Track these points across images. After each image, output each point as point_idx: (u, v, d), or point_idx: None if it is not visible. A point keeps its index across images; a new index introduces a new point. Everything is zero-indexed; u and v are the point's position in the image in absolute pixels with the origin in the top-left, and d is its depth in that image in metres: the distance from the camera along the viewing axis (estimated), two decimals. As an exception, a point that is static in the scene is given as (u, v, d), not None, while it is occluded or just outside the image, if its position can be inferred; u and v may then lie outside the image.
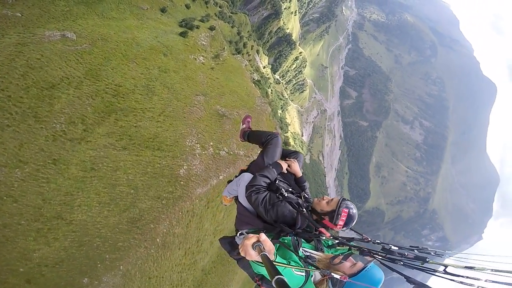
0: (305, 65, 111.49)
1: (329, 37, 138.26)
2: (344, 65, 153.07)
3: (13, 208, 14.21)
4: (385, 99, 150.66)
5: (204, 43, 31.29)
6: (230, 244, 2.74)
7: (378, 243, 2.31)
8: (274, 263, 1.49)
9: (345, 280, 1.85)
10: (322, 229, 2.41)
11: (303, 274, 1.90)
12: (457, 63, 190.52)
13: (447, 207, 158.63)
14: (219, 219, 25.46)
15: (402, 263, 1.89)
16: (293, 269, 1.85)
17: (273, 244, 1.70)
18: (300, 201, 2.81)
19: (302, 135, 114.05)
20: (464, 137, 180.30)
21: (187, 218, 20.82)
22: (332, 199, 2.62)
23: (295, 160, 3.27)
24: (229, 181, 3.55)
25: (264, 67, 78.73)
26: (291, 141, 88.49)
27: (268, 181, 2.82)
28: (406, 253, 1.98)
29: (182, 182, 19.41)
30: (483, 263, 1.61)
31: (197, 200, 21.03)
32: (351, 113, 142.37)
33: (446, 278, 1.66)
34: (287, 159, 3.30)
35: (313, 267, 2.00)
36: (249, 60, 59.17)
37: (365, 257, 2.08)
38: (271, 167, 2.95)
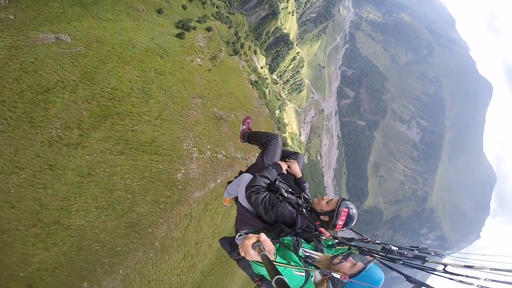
0: (303, 65, 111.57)
1: (327, 37, 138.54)
2: (342, 65, 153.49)
3: (11, 214, 14.23)
4: (382, 98, 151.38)
5: (201, 44, 31.08)
6: (230, 245, 2.73)
7: (378, 243, 2.30)
8: (274, 263, 1.48)
9: (345, 280, 1.84)
10: (322, 229, 2.42)
11: (303, 274, 1.90)
12: (453, 62, 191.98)
13: (445, 205, 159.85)
14: (217, 222, 25.46)
15: (401, 262, 1.89)
16: (293, 269, 1.84)
17: (273, 244, 1.71)
18: (299, 201, 2.81)
19: (300, 135, 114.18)
20: (461, 135, 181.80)
21: (185, 221, 20.91)
22: (332, 199, 2.62)
23: (295, 161, 3.28)
24: (229, 182, 3.56)
25: (261, 68, 78.61)
26: (289, 141, 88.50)
27: (267, 181, 2.82)
28: (405, 253, 1.98)
29: (179, 186, 19.35)
30: (483, 262, 1.62)
31: (195, 204, 21.02)
32: (349, 113, 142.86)
33: (446, 277, 1.66)
34: (287, 160, 3.31)
35: (313, 267, 1.99)
36: (247, 61, 59.04)
37: (365, 256, 2.08)
38: (270, 167, 2.95)
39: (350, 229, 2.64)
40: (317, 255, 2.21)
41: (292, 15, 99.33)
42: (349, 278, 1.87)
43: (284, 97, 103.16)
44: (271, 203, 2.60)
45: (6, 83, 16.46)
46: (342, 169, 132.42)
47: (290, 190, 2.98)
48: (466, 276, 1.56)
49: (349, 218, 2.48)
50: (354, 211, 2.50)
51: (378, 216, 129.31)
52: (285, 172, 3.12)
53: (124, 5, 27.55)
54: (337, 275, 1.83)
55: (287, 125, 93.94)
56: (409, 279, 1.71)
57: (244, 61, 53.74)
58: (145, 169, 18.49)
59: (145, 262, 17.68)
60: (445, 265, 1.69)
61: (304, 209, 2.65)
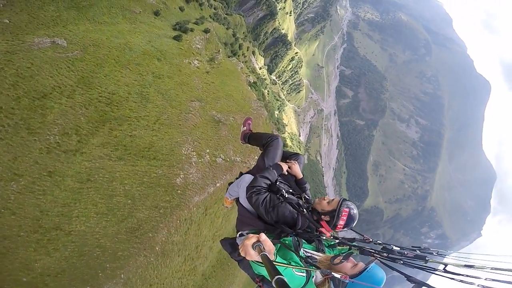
0: (301, 65, 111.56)
1: (324, 37, 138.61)
2: (340, 65, 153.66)
3: (12, 220, 14.29)
4: (381, 98, 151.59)
5: (199, 46, 30.88)
6: (231, 245, 2.73)
7: (379, 244, 2.33)
8: (274, 263, 1.47)
9: (346, 280, 1.83)
10: (323, 229, 2.43)
11: (304, 274, 1.89)
12: (451, 61, 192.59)
13: (445, 204, 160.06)
14: (217, 225, 25.43)
15: (402, 262, 1.90)
16: (293, 269, 1.84)
17: (274, 244, 1.71)
18: (300, 202, 2.82)
19: (300, 135, 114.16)
20: (460, 134, 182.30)
21: (185, 226, 20.89)
22: (333, 199, 2.64)
23: (296, 161, 3.29)
24: (230, 183, 3.57)
25: (260, 68, 78.52)
26: (288, 141, 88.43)
27: (268, 182, 2.83)
28: (406, 252, 1.99)
29: (179, 191, 19.27)
30: (483, 262, 1.61)
31: (194, 208, 20.98)
32: (348, 113, 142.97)
33: (446, 277, 1.66)
34: (287, 161, 3.32)
35: (313, 267, 1.99)
36: (245, 62, 58.91)
37: (366, 256, 2.07)
38: (271, 168, 2.97)
39: (351, 229, 2.64)
40: (318, 255, 2.20)
41: (290, 16, 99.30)
42: (350, 278, 1.86)
43: (283, 97, 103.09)
44: (272, 203, 2.60)
45: (3, 89, 16.25)
46: (342, 169, 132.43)
47: (291, 190, 2.98)
48: (467, 275, 1.55)
49: (350, 218, 2.48)
50: (355, 211, 2.50)
51: (378, 215, 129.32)
52: (286, 173, 3.13)
53: (121, 7, 27.29)
54: (337, 275, 1.81)
55: (286, 125, 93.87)
56: (409, 279, 1.71)
57: (242, 62, 53.59)
58: (144, 175, 18.44)
59: (146, 266, 17.73)
60: (446, 265, 1.69)
61: (304, 210, 2.65)
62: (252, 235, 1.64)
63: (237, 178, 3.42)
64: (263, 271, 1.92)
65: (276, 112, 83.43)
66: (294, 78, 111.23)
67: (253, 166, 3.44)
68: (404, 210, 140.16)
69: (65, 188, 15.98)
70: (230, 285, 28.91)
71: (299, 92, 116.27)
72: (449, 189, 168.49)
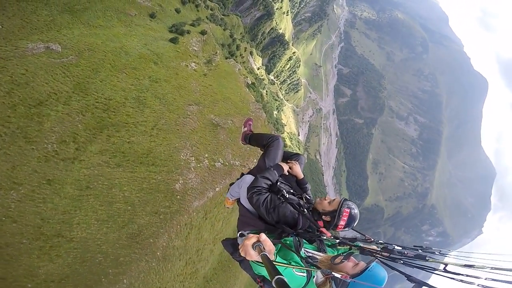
0: (299, 65, 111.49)
1: (322, 36, 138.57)
2: (338, 64, 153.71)
3: (13, 228, 14.40)
4: (379, 96, 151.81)
5: (196, 49, 30.56)
6: (232, 246, 2.71)
7: (380, 243, 2.35)
8: (274, 263, 1.46)
9: (348, 280, 1.82)
10: (323, 229, 2.43)
11: (305, 275, 1.89)
12: (448, 59, 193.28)
13: (445, 202, 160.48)
14: (217, 228, 25.42)
15: (402, 262, 1.91)
16: (294, 269, 1.84)
17: (274, 244, 1.72)
18: (301, 202, 2.84)
19: (299, 135, 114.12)
20: (459, 131, 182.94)
21: (186, 230, 20.91)
22: (334, 199, 2.65)
23: (297, 162, 3.31)
24: (231, 184, 3.58)
25: (258, 69, 78.27)
26: (287, 141, 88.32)
27: (269, 182, 2.84)
28: (406, 252, 2.00)
29: (178, 197, 19.17)
30: (484, 261, 1.61)
31: (194, 213, 20.92)
32: (346, 111, 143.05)
33: (446, 277, 1.66)
34: (288, 161, 3.33)
35: (314, 267, 1.98)
36: (243, 62, 58.60)
37: (367, 256, 2.08)
38: (272, 169, 2.98)
39: (352, 229, 2.63)
40: (319, 255, 2.20)
41: (287, 15, 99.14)
42: (352, 278, 1.85)
43: (282, 97, 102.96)
44: (273, 204, 2.61)
45: (-2, 97, 16.02)
46: (341, 168, 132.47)
47: (291, 191, 2.99)
48: (467, 275, 1.55)
49: (351, 218, 2.49)
50: (356, 211, 2.51)
51: (379, 213, 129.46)
52: (287, 173, 3.15)
53: (116, 10, 26.92)
54: (338, 275, 1.80)
55: (285, 125, 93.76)
56: (410, 278, 1.71)
57: (240, 63, 53.29)
58: (143, 181, 18.38)
59: (148, 271, 17.85)
60: (446, 265, 1.69)
61: (305, 210, 2.65)
62: (252, 235, 1.63)
63: (238, 179, 3.42)
64: (263, 271, 1.93)
65: (275, 112, 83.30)
66: (292, 78, 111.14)
67: (253, 167, 3.44)
68: (404, 208, 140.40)
69: (64, 196, 16.04)
70: (231, 287, 29.08)
71: (297, 91, 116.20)
72: (449, 187, 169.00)
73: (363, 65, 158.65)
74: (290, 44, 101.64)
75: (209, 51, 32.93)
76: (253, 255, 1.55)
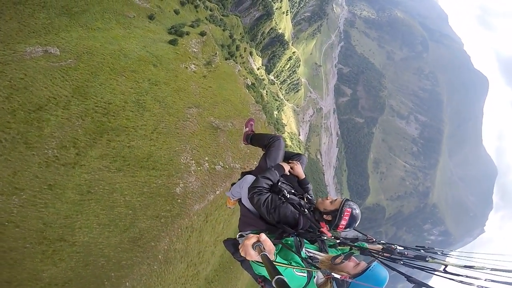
0: (299, 65, 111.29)
1: (322, 36, 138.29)
2: (338, 63, 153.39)
3: (16, 232, 14.54)
4: (380, 95, 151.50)
5: (195, 50, 30.38)
6: (233, 246, 2.70)
7: (382, 243, 2.39)
8: (274, 263, 1.48)
9: (350, 280, 1.82)
10: (324, 230, 2.43)
11: (305, 275, 1.89)
12: (448, 57, 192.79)
13: (447, 200, 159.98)
14: (218, 230, 25.45)
15: (402, 262, 1.92)
16: (294, 269, 1.84)
17: (275, 245, 1.74)
18: (302, 202, 2.84)
19: (299, 135, 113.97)
20: (460, 129, 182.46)
21: (187, 234, 20.94)
22: (336, 199, 2.65)
23: (298, 162, 3.33)
24: (233, 184, 3.58)
25: (258, 69, 78.08)
26: (288, 141, 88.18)
27: (270, 182, 2.84)
28: (406, 253, 2.01)
29: (179, 200, 19.11)
30: (484, 262, 1.62)
31: (195, 216, 20.89)
32: (347, 111, 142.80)
33: (446, 278, 1.66)
34: (289, 161, 3.34)
35: (314, 268, 1.98)
36: (243, 63, 58.40)
37: (367, 256, 2.07)
38: (273, 169, 2.99)
39: (354, 229, 2.63)
40: (320, 255, 2.19)
41: (287, 15, 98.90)
42: (353, 278, 1.85)
43: (282, 97, 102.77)
44: (273, 204, 2.62)
45: (-2, 102, 15.95)
46: (342, 167, 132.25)
47: (293, 191, 2.99)
48: (467, 276, 1.56)
49: (352, 218, 2.48)
50: (357, 211, 2.50)
51: (380, 213, 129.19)
52: (288, 174, 3.16)
53: (114, 12, 26.74)
54: (337, 275, 1.80)
55: (286, 125, 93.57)
56: (409, 279, 1.71)
57: (240, 63, 53.09)
58: (144, 185, 18.38)
59: (150, 274, 17.96)
60: (446, 265, 1.69)
61: (306, 210, 2.65)
62: (252, 235, 1.62)
63: (239, 179, 3.42)
64: (263, 271, 1.93)
65: (275, 112, 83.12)
66: (292, 78, 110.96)
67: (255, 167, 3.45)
68: (406, 207, 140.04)
69: (66, 201, 16.13)
70: (233, 288, 28.99)
71: (297, 91, 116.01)
72: (450, 185, 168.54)
73: (363, 64, 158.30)
74: (290, 44, 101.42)
75: (208, 52, 32.75)
76: (253, 255, 1.54)
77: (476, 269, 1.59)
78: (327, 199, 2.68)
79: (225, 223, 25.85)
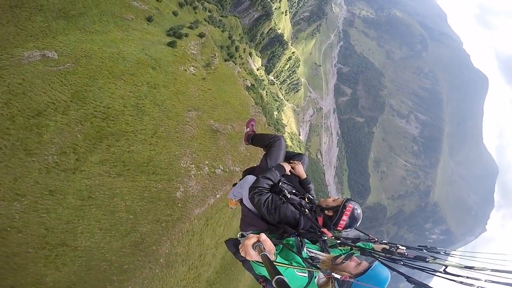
0: (299, 65, 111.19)
1: (321, 35, 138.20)
2: (337, 63, 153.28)
3: (19, 238, 14.70)
4: (380, 94, 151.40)
5: (194, 52, 30.22)
6: (235, 246, 2.66)
7: (384, 243, 2.41)
8: (275, 263, 1.48)
9: (352, 281, 1.82)
10: (324, 230, 2.42)
11: (306, 275, 1.89)
12: (447, 56, 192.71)
13: (448, 199, 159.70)
14: (219, 233, 25.47)
15: (402, 263, 1.92)
16: (295, 269, 1.84)
17: (275, 245, 1.75)
18: (303, 202, 2.84)
19: (299, 135, 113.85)
20: (460, 128, 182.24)
21: (188, 237, 20.94)
22: (339, 198, 2.67)
23: (299, 162, 3.33)
24: (234, 184, 3.62)
25: (257, 69, 77.96)
26: (288, 141, 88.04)
27: (270, 183, 2.84)
28: (406, 253, 2.02)
29: (179, 204, 19.06)
30: (485, 263, 1.62)
31: (196, 220, 20.84)
32: (347, 110, 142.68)
33: (446, 278, 1.66)
34: (291, 161, 3.34)
35: (314, 268, 1.97)
36: (242, 64, 58.24)
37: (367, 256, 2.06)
38: (274, 169, 2.98)
39: (355, 228, 2.63)
40: (321, 255, 2.19)
41: (286, 15, 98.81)
42: (355, 277, 1.84)
43: (282, 97, 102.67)
44: (274, 204, 2.62)
45: (-3, 108, 15.89)
46: (343, 167, 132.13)
47: (294, 191, 3.00)
48: (467, 277, 1.56)
49: (353, 217, 2.49)
50: (359, 211, 2.51)
51: (381, 212, 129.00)
52: (289, 174, 3.16)
53: (112, 15, 26.56)
54: (337, 276, 1.80)
55: (286, 125, 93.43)
56: (409, 279, 1.72)
57: (239, 64, 52.93)
58: (144, 190, 18.41)
59: (152, 278, 18.03)
60: (446, 266, 1.70)
61: (307, 210, 2.65)
62: (252, 235, 1.62)
63: (241, 179, 3.43)
64: (264, 271, 1.92)
65: (275, 112, 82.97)
66: (292, 78, 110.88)
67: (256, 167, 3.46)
68: (407, 206, 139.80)
69: (67, 206, 16.21)
70: (234, 289, 29.09)
71: (297, 91, 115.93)
72: (451, 184, 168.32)
73: (363, 64, 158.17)
74: (289, 44, 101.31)
75: (207, 54, 32.60)
76: (253, 255, 1.54)
77: (476, 270, 1.59)
78: (330, 198, 2.73)
79: (225, 226, 25.92)
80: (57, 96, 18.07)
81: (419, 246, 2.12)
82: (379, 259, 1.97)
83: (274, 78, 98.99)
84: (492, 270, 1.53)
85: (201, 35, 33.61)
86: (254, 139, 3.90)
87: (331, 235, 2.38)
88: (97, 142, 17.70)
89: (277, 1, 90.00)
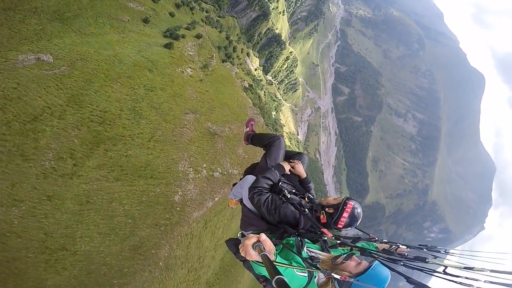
0: (296, 64, 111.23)
1: (318, 35, 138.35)
2: (335, 62, 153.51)
3: (18, 243, 14.71)
4: (377, 93, 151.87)
5: (191, 53, 30.03)
6: (235, 246, 2.63)
7: (385, 242, 2.43)
8: (275, 263, 1.48)
9: (351, 280, 1.82)
10: (324, 230, 2.40)
11: (306, 275, 1.89)
12: (444, 55, 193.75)
13: (446, 198, 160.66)
14: (218, 235, 25.48)
15: (402, 263, 1.93)
16: (294, 269, 1.84)
17: (276, 245, 1.79)
18: (303, 201, 2.84)
19: (298, 134, 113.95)
20: (457, 127, 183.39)
21: (187, 240, 20.92)
22: (339, 197, 2.68)
23: (299, 161, 3.32)
24: (234, 184, 3.61)
25: (255, 69, 77.82)
26: (287, 141, 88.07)
27: (270, 182, 2.83)
28: (406, 254, 2.03)
29: (178, 208, 19.03)
30: (484, 263, 1.65)
31: (194, 224, 20.79)
32: (345, 109, 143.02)
33: (446, 279, 1.67)
34: (291, 160, 3.33)
35: (314, 268, 1.97)
36: (240, 64, 58.09)
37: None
38: (273, 169, 2.98)
39: (356, 227, 2.63)
40: (322, 254, 2.19)
41: (283, 15, 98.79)
42: (355, 277, 1.85)
43: (280, 97, 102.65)
44: (274, 204, 2.62)
45: (-8, 113, 15.72)
46: (341, 166, 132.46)
47: (294, 190, 2.99)
48: (466, 278, 1.57)
49: (354, 215, 2.48)
50: (359, 210, 2.50)
51: (380, 211, 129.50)
52: (289, 173, 3.15)
53: (108, 16, 26.29)
54: (337, 276, 1.80)
55: (284, 125, 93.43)
56: (409, 280, 1.73)
57: (237, 64, 52.79)
58: (142, 194, 18.37)
59: (152, 281, 18.09)
60: (446, 267, 1.70)
61: (307, 210, 2.64)
62: (252, 235, 1.62)
63: (241, 179, 3.42)
64: (264, 271, 1.94)
65: (274, 112, 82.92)
66: (290, 78, 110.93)
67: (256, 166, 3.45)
68: (405, 205, 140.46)
69: (65, 211, 16.21)
70: (234, 291, 29.24)
71: (295, 91, 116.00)
72: (449, 183, 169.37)
73: (360, 63, 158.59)
74: (287, 44, 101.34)
75: (205, 55, 32.41)
76: (253, 255, 1.54)
77: (476, 270, 1.59)
78: (331, 197, 2.74)
79: (224, 228, 25.93)
80: (53, 101, 17.87)
81: (419, 245, 2.13)
82: (378, 259, 1.97)
83: (272, 78, 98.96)
84: (491, 271, 1.54)
85: (198, 36, 33.41)
86: (253, 138, 3.89)
87: (331, 235, 2.38)
88: (94, 146, 17.58)
89: (275, 1, 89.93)
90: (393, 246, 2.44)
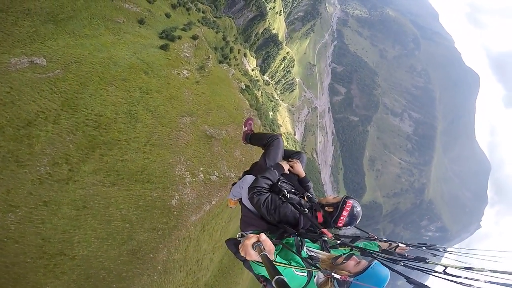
0: (293, 65, 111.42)
1: (315, 35, 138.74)
2: (331, 62, 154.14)
3: (16, 248, 14.65)
4: (373, 93, 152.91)
5: (188, 55, 29.82)
6: (235, 246, 2.64)
7: (384, 241, 2.43)
8: (274, 263, 1.48)
9: (351, 280, 1.82)
10: (324, 230, 2.40)
11: (305, 274, 1.89)
12: (440, 55, 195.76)
13: (443, 196, 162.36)
14: (216, 238, 25.41)
15: (402, 263, 1.93)
16: (294, 269, 1.84)
17: (276, 244, 1.78)
18: (302, 201, 2.83)
19: (295, 134, 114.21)
20: (453, 126, 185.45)
21: (184, 244, 20.82)
22: (338, 196, 2.68)
23: (298, 160, 3.31)
24: (233, 184, 3.59)
25: (252, 70, 77.72)
26: (284, 141, 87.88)
27: (269, 182, 2.83)
28: (406, 254, 2.03)
29: (175, 212, 18.89)
30: (483, 263, 1.68)
31: (192, 227, 20.69)
32: (341, 109, 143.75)
33: (446, 279, 1.67)
34: (289, 160, 3.32)
35: (314, 267, 1.97)
36: (237, 65, 57.92)
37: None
38: (272, 168, 2.97)
39: (355, 226, 2.64)
40: (321, 254, 2.19)
41: (280, 15, 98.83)
42: (354, 276, 1.85)
43: (277, 97, 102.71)
44: (273, 204, 2.61)
45: (-15, 119, 15.45)
46: (338, 165, 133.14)
47: (293, 190, 2.99)
48: (466, 278, 1.57)
49: (353, 214, 2.48)
50: (358, 209, 2.51)
51: (377, 210, 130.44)
52: (288, 172, 3.14)
53: (102, 18, 25.95)
54: (337, 276, 1.81)
55: (281, 126, 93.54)
56: (409, 280, 1.73)
57: (234, 65, 52.63)
58: (139, 198, 18.25)
59: (150, 285, 18.07)
60: (445, 267, 1.70)
61: (306, 209, 2.63)
62: (252, 235, 1.62)
63: (240, 179, 3.42)
64: (263, 271, 1.94)
65: (271, 113, 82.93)
66: (287, 78, 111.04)
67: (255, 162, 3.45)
68: (402, 204, 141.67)
69: (62, 216, 16.13)
70: (233, 293, 29.21)
71: (292, 91, 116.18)
72: (445, 181, 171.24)
73: (357, 63, 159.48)
74: (284, 44, 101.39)
75: (201, 56, 32.22)
76: (253, 255, 1.54)
77: (475, 270, 1.59)
78: (330, 196, 2.75)
79: (222, 231, 25.86)
80: (47, 105, 17.61)
81: (418, 243, 2.14)
82: (378, 259, 1.97)
83: (269, 78, 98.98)
84: (491, 271, 1.54)
85: (194, 37, 33.19)
86: (252, 138, 3.86)
87: (331, 235, 2.38)
88: (90, 151, 17.40)
89: (272, 1, 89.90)
90: (393, 245, 2.46)
